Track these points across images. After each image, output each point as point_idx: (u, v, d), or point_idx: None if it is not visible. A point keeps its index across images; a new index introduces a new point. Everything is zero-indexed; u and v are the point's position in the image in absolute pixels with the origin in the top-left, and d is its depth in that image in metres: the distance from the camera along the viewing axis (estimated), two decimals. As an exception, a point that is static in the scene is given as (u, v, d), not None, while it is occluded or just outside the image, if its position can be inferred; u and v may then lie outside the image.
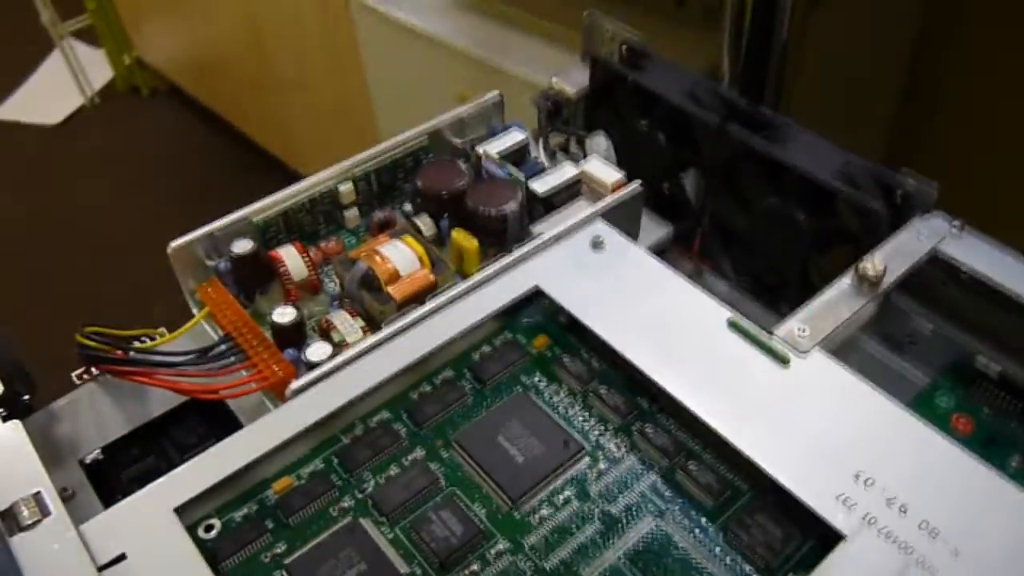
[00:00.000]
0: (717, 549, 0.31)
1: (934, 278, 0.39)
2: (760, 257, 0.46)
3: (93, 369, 0.39)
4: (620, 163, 0.45)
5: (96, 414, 0.39)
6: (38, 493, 0.30)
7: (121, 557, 0.29)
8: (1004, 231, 0.40)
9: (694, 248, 0.49)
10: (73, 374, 0.40)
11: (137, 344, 0.39)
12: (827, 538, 0.29)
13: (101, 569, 0.28)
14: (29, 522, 0.29)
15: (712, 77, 0.67)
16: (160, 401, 0.39)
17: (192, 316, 0.40)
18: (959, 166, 0.89)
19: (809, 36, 0.64)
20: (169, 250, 0.40)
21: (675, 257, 0.49)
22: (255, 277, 0.41)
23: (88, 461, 0.38)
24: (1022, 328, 0.37)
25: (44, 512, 0.29)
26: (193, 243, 0.40)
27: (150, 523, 0.30)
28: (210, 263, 0.41)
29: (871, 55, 0.84)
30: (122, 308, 1.21)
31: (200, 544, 0.30)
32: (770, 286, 0.46)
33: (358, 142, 0.48)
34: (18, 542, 0.28)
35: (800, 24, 0.62)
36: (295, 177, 0.44)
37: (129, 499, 0.31)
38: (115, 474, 0.39)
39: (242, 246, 0.40)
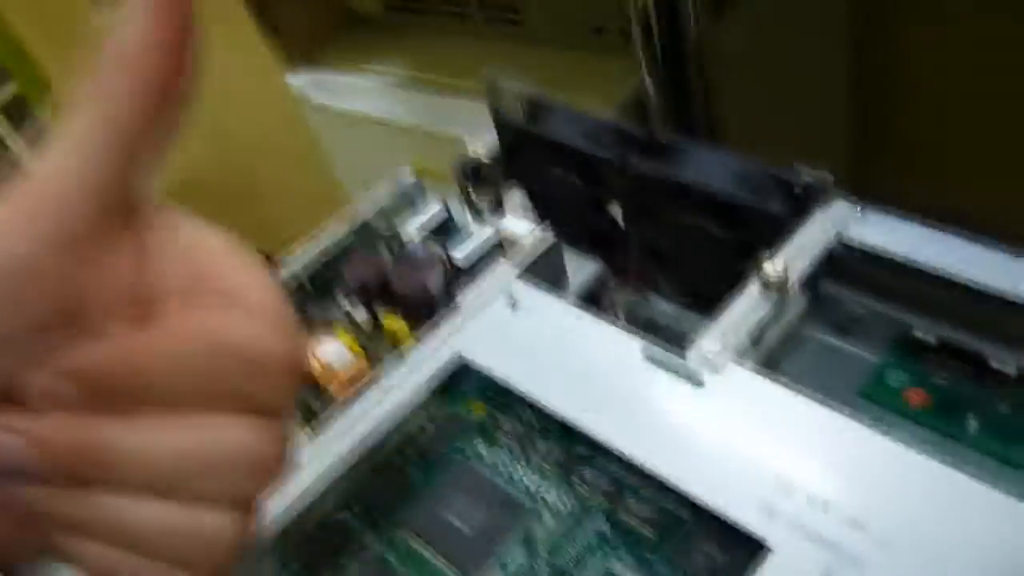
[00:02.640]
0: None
1: (849, 262, 0.39)
2: (693, 274, 0.47)
3: None
4: (543, 209, 0.46)
5: None
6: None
7: None
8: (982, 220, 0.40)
9: (629, 276, 0.50)
10: None
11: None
12: (756, 553, 0.30)
13: None
14: None
15: (638, 102, 0.69)
16: None
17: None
18: (929, 160, 0.88)
19: (720, 45, 0.65)
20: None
21: (617, 287, 0.50)
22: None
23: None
24: (943, 295, 0.37)
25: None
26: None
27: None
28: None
29: (801, 59, 0.84)
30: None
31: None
32: (712, 299, 0.47)
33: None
34: None
35: (707, 34, 0.64)
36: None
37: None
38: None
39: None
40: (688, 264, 0.46)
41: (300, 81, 1.00)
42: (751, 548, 0.30)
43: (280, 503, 0.35)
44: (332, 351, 0.41)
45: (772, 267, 0.37)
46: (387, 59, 0.96)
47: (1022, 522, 0.28)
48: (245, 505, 0.21)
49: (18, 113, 1.49)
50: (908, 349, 0.40)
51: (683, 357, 0.35)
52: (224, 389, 0.20)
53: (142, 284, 0.20)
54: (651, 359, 0.36)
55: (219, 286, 0.21)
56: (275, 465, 0.21)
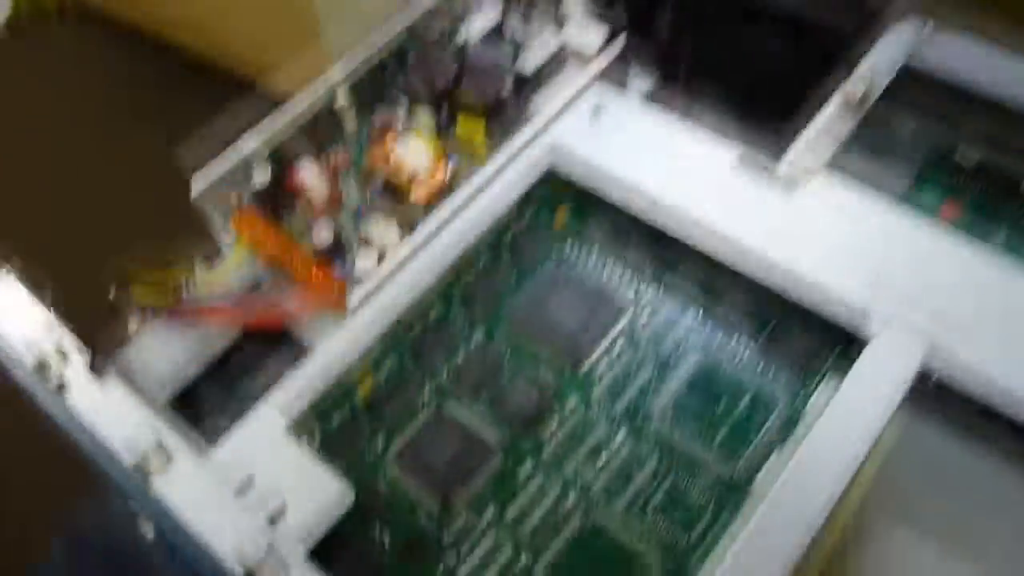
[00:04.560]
0: (761, 367, 0.35)
1: (911, 84, 0.42)
2: (746, 91, 0.48)
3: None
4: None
5: (164, 357, 0.41)
6: (159, 440, 0.33)
7: (251, 478, 0.32)
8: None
9: (679, 90, 0.51)
10: (130, 321, 0.42)
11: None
12: (855, 343, 0.33)
13: (238, 492, 0.32)
14: (159, 467, 0.32)
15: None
16: (219, 335, 0.42)
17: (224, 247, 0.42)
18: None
19: None
20: (194, 195, 0.41)
21: (665, 99, 0.51)
22: (280, 200, 0.42)
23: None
24: (996, 117, 0.40)
25: (169, 456, 0.32)
26: (215, 184, 0.42)
27: (265, 443, 0.33)
28: (232, 194, 0.43)
29: None
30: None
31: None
32: (759, 120, 0.49)
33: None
34: (156, 486, 0.32)
35: None
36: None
37: (239, 425, 0.34)
38: (193, 409, 0.42)
39: (262, 176, 0.41)
40: (742, 81, 0.48)
41: None
42: (845, 338, 0.34)
43: (387, 300, 0.37)
44: (413, 156, 0.41)
45: (854, 85, 0.39)
46: None
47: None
48: None
49: None
50: (946, 168, 0.44)
51: (777, 164, 0.38)
52: None
53: None
54: (745, 163, 0.38)
55: None
56: None
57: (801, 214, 0.36)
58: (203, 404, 0.43)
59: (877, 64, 0.41)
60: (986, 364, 0.32)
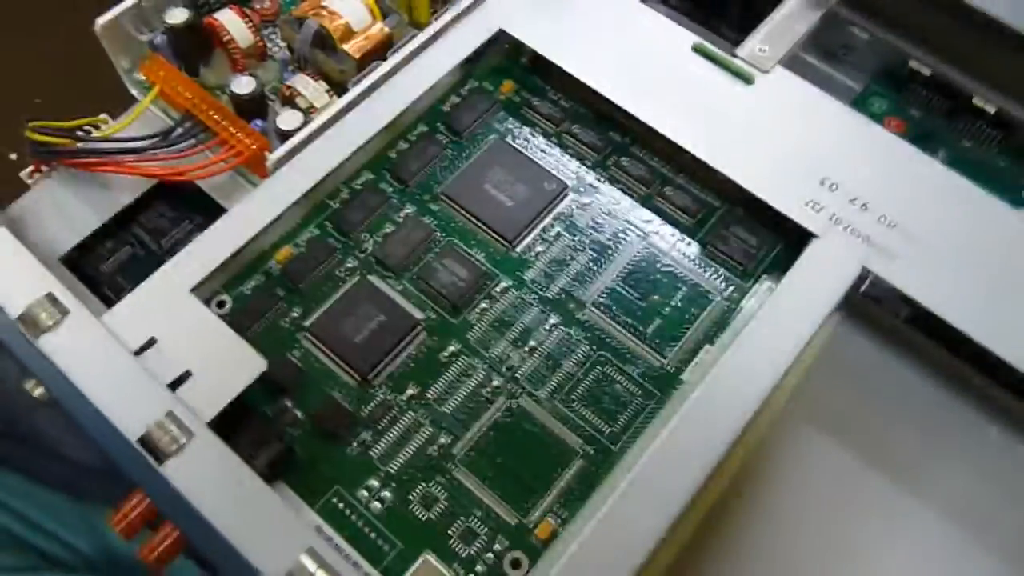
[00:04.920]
0: (699, 261, 0.34)
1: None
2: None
3: (44, 166, 0.38)
4: None
5: (60, 211, 0.38)
6: (50, 294, 0.30)
7: (152, 341, 0.30)
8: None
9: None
10: (23, 173, 0.38)
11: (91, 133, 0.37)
12: (796, 241, 0.33)
13: (137, 353, 0.29)
14: (50, 323, 0.29)
15: None
16: (123, 190, 0.38)
17: (133, 99, 0.38)
18: None
19: None
20: (97, 28, 0.37)
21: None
22: (196, 48, 0.38)
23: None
24: (955, 28, 0.39)
25: (62, 311, 0.30)
26: (121, 17, 0.37)
27: (169, 305, 0.31)
28: (142, 38, 0.38)
29: None
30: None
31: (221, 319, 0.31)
32: (711, 10, 0.46)
33: None
34: (45, 343, 0.29)
35: None
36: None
37: (142, 286, 0.31)
38: (93, 268, 0.39)
39: (177, 15, 0.37)
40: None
41: None
42: (787, 236, 0.33)
43: (310, 161, 0.34)
44: (349, 8, 0.38)
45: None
46: None
47: (1012, 223, 0.32)
48: None
49: None
50: (896, 80, 0.43)
51: (733, 54, 0.36)
52: None
53: None
54: (702, 53, 0.36)
55: None
56: None
57: (752, 108, 0.35)
58: (103, 262, 0.40)
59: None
60: (923, 272, 0.31)
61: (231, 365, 0.30)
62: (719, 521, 0.32)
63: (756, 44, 0.36)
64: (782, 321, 0.31)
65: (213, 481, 0.27)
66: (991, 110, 0.40)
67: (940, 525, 0.32)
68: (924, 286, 0.31)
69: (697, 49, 0.36)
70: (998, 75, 0.40)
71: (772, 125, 0.34)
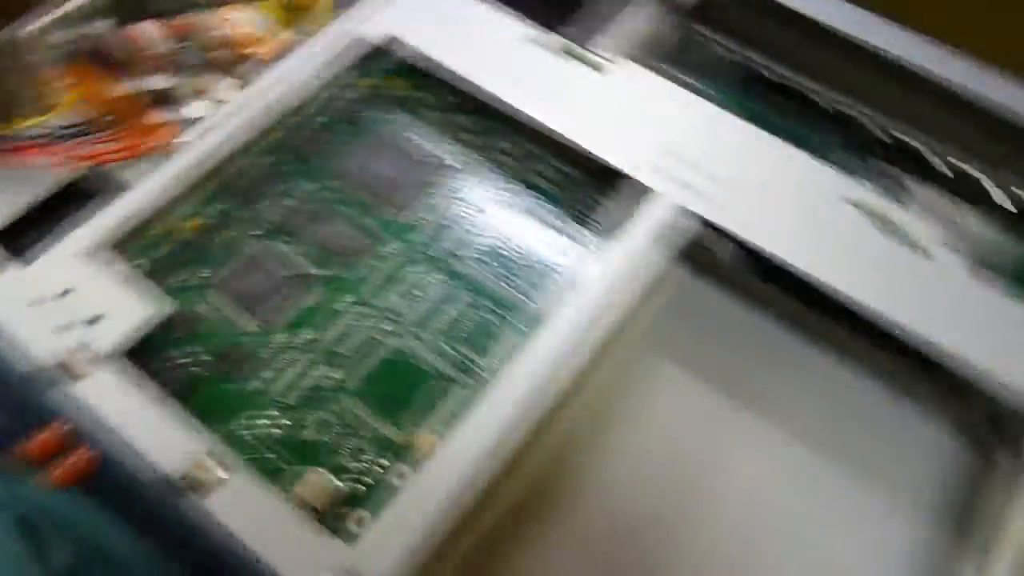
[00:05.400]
0: (563, 223, 0.39)
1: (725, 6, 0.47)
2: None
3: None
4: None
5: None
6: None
7: (67, 291, 0.33)
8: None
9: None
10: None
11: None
12: (642, 200, 0.38)
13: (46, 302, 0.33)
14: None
15: None
16: (40, 182, 0.41)
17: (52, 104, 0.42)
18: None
19: None
20: (21, 36, 0.41)
21: None
22: (117, 57, 0.43)
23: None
24: (801, 38, 0.46)
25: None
26: (46, 29, 0.42)
27: (85, 263, 0.34)
28: (61, 47, 0.42)
29: None
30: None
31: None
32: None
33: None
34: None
35: None
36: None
37: (56, 247, 0.35)
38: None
39: (99, 28, 0.41)
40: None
41: None
42: (638, 192, 0.39)
43: (216, 141, 0.38)
44: (247, 19, 0.43)
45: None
46: None
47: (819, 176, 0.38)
48: None
49: None
50: (754, 91, 0.49)
51: (586, 48, 0.42)
52: None
53: None
54: (563, 50, 0.42)
55: None
56: None
57: (605, 92, 0.41)
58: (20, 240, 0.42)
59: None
60: (749, 217, 0.37)
61: (140, 308, 0.33)
62: (588, 453, 0.36)
63: (600, 38, 0.42)
64: (625, 263, 0.35)
65: (123, 401, 0.30)
66: (829, 109, 0.47)
67: (786, 442, 0.36)
68: (751, 229, 0.37)
69: (565, 50, 0.42)
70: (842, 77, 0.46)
71: (619, 106, 0.40)
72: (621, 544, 0.34)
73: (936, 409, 0.37)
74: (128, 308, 0.33)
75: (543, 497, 0.35)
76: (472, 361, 0.35)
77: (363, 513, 0.30)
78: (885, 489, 0.35)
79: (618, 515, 0.35)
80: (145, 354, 0.33)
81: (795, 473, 0.36)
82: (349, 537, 0.29)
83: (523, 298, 0.37)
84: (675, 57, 0.49)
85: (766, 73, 0.48)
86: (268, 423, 0.33)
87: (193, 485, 0.28)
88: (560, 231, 0.39)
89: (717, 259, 0.40)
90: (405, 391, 0.34)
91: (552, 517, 0.34)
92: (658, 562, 0.33)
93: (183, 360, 0.34)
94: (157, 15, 0.45)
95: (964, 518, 0.35)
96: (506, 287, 0.37)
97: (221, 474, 0.29)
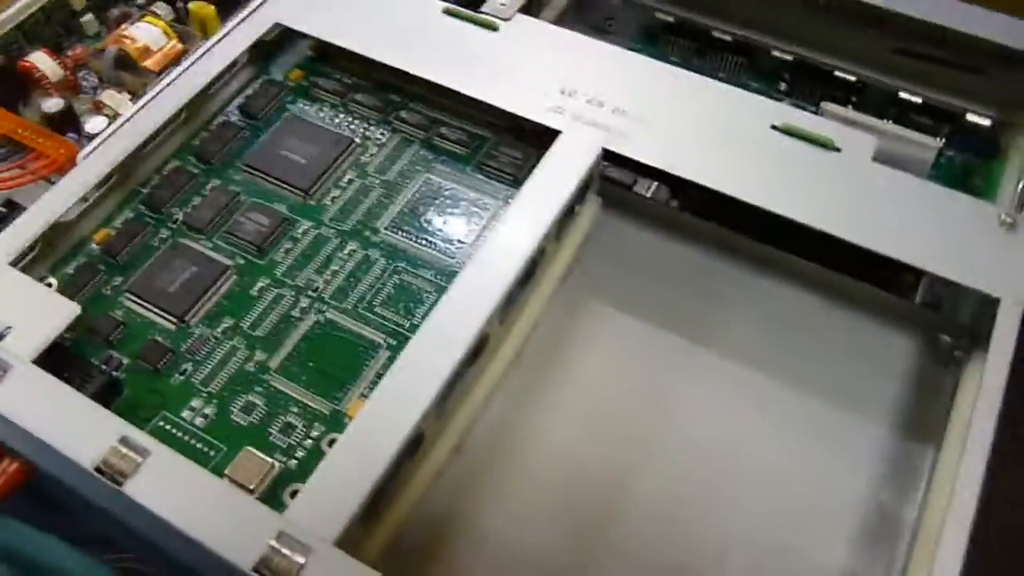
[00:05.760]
0: (476, 181, 0.39)
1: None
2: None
3: None
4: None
5: None
6: None
7: (-27, 311, 0.33)
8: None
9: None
10: None
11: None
12: (550, 144, 0.38)
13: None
14: None
15: None
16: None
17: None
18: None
19: None
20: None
21: None
22: (13, 89, 0.43)
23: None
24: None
25: None
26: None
27: (-10, 283, 0.34)
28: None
29: None
30: None
31: (43, 292, 0.34)
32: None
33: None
34: None
35: None
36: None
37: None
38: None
39: (-11, 62, 0.41)
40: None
41: None
42: (544, 140, 0.38)
43: (115, 150, 0.38)
44: (145, 33, 0.43)
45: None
46: None
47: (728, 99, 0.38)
48: None
49: None
50: (655, 36, 0.49)
51: (478, 10, 0.42)
52: None
53: None
54: (454, 14, 0.42)
55: None
56: None
57: (503, 48, 0.41)
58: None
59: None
60: (653, 143, 0.37)
61: (48, 314, 0.32)
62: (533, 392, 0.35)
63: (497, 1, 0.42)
64: (538, 202, 0.35)
65: (40, 404, 0.29)
66: (729, 39, 0.47)
67: (729, 367, 0.36)
68: (655, 153, 0.36)
69: (449, 12, 0.42)
70: (733, 10, 0.46)
71: (517, 59, 0.40)
72: (576, 492, 0.33)
73: (877, 312, 0.37)
74: (35, 318, 0.32)
75: (495, 451, 0.34)
76: (398, 324, 0.34)
77: (297, 485, 0.30)
78: (839, 396, 0.35)
79: (572, 464, 0.34)
80: (66, 364, 0.32)
81: (750, 399, 0.35)
82: (281, 506, 0.29)
83: (440, 255, 0.36)
84: (575, 12, 0.49)
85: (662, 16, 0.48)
86: (192, 414, 0.32)
87: (114, 474, 0.28)
88: (470, 187, 0.38)
89: (635, 194, 0.39)
90: (330, 362, 0.33)
91: (505, 469, 0.33)
92: (617, 506, 0.33)
93: (104, 366, 0.33)
94: (48, 45, 0.45)
95: (919, 414, 0.34)
96: (421, 247, 0.37)
97: (138, 459, 0.28)
